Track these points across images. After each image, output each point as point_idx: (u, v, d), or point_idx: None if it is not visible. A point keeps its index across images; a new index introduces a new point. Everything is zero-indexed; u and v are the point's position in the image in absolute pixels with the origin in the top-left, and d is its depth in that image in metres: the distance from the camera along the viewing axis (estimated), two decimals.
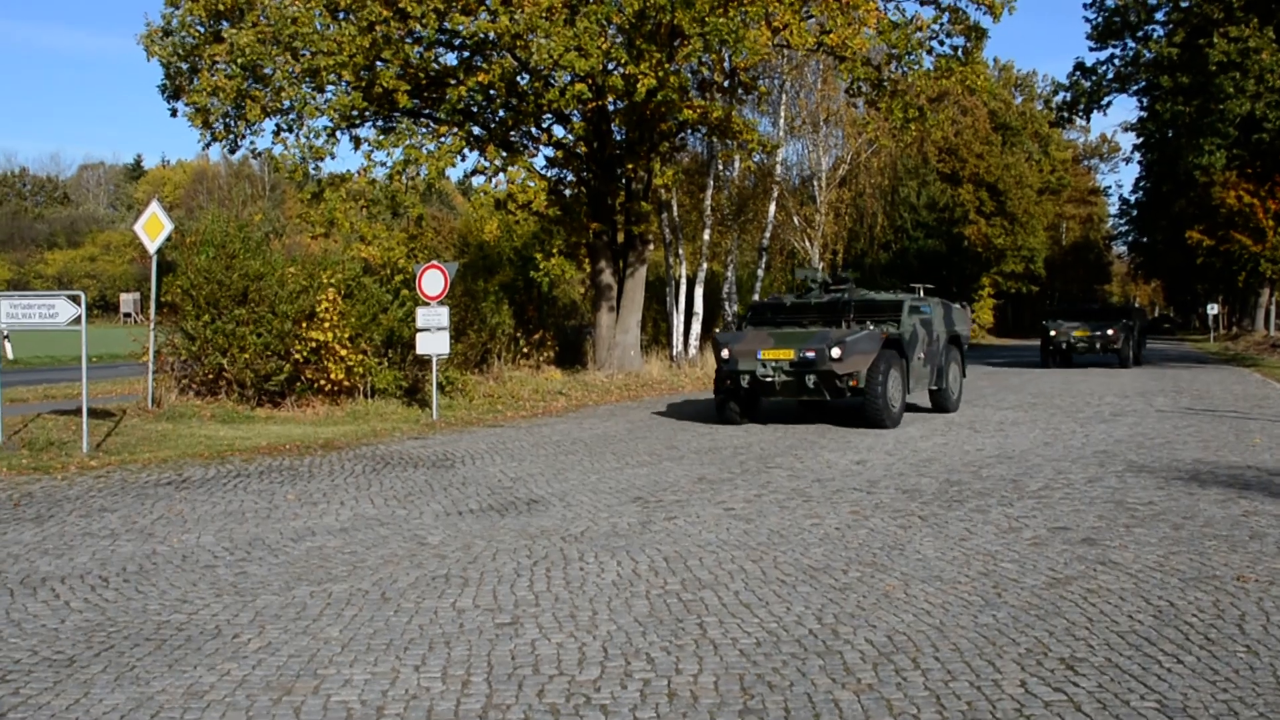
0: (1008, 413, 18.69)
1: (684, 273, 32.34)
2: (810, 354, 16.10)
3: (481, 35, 20.29)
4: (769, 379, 16.41)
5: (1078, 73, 35.77)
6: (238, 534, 9.03)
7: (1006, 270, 65.35)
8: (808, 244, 38.52)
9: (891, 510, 9.76)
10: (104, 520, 9.66)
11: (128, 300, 72.12)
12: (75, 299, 13.60)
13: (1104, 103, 35.61)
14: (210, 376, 18.02)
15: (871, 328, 16.63)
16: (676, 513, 9.77)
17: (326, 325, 18.03)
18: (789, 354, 16.30)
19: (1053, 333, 34.00)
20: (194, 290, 17.89)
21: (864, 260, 47.14)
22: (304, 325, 17.99)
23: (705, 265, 32.18)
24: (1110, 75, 35.36)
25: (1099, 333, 33.12)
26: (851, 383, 16.09)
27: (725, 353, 16.87)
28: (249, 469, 12.67)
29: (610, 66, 20.91)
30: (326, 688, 5.35)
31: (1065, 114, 37.40)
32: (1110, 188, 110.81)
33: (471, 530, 9.10)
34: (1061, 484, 11.11)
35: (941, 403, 18.99)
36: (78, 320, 13.47)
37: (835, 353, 15.91)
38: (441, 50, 22.11)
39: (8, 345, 14.23)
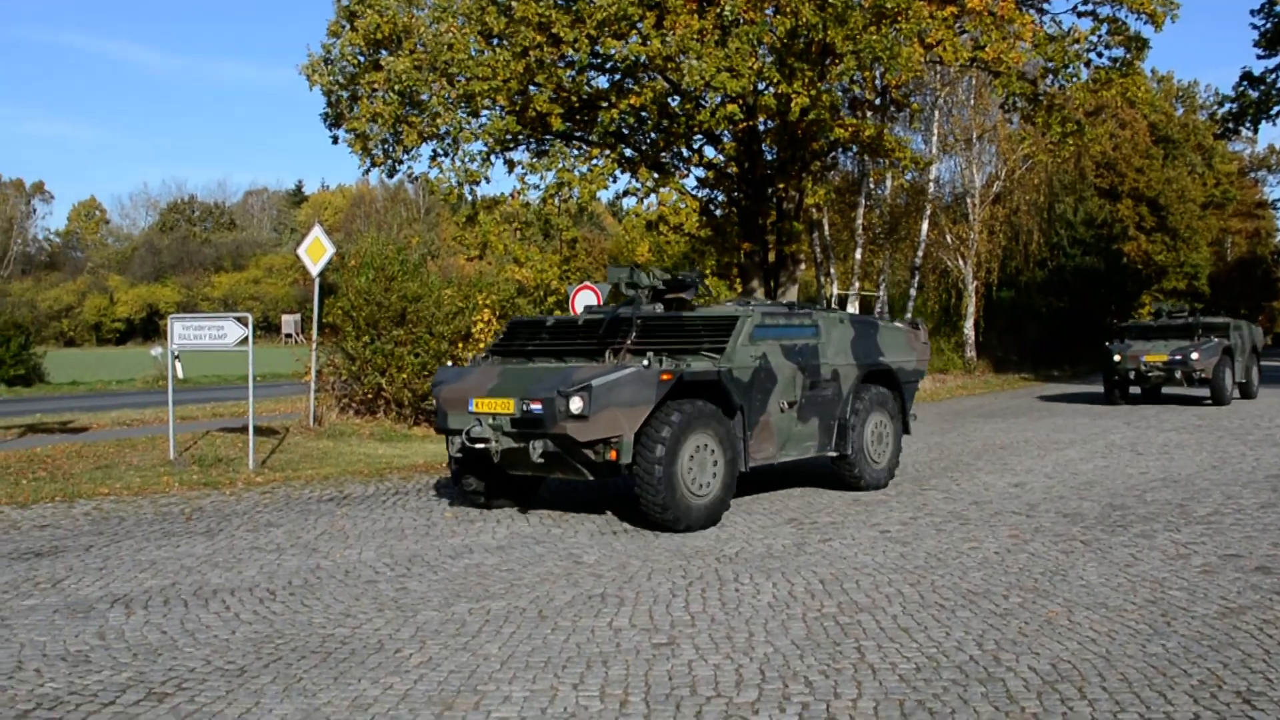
0: (1171, 435, 18.04)
1: (835, 292, 32.13)
2: (535, 406, 9.90)
3: (633, 58, 20.44)
4: (484, 444, 10.25)
5: (1244, 82, 34.59)
6: (398, 550, 9.22)
7: (1168, 288, 63.16)
8: (961, 262, 37.90)
9: (1052, 534, 9.53)
10: (270, 535, 9.96)
11: (289, 321, 74.25)
12: (243, 321, 14.05)
13: (1273, 112, 34.37)
14: (369, 396, 18.46)
15: (647, 363, 9.93)
16: (831, 534, 9.69)
17: (482, 346, 18.33)
18: (508, 406, 10.19)
19: (1116, 358, 24.90)
20: (354, 311, 18.37)
21: (1019, 278, 46.11)
22: (460, 346, 18.33)
23: (856, 284, 31.91)
24: None
25: (1178, 357, 24.07)
26: (610, 455, 9.85)
27: (436, 401, 11.23)
28: (407, 486, 12.95)
29: (761, 86, 20.88)
30: (487, 704, 5.43)
31: (1231, 125, 36.19)
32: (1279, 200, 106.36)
33: (626, 549, 9.16)
34: (1232, 509, 10.71)
35: (849, 474, 12.22)
36: (245, 341, 13.91)
37: (575, 405, 9.60)
38: (594, 74, 22.31)
39: (179, 365, 14.80)
